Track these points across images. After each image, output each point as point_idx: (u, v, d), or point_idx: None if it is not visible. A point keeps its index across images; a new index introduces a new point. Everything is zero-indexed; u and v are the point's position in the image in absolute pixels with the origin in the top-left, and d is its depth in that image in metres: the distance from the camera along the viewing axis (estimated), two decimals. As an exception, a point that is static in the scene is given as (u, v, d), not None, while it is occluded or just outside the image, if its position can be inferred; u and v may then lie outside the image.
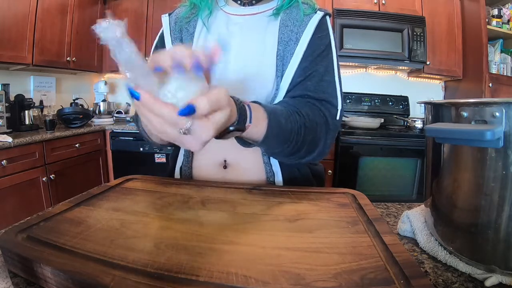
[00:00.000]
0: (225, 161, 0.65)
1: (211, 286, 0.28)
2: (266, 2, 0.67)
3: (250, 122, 0.45)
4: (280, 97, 0.62)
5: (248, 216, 0.44)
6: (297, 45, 0.61)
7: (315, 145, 0.58)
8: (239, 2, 0.67)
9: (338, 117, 0.61)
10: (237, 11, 0.68)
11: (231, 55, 0.64)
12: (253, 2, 0.66)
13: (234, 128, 0.42)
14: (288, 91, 0.62)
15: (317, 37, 0.62)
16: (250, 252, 0.34)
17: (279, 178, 0.65)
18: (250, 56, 0.64)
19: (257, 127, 0.48)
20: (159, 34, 0.72)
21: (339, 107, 0.61)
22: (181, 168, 0.70)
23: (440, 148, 0.39)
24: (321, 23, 0.63)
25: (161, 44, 0.70)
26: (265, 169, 0.65)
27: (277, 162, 0.65)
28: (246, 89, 0.61)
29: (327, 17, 0.65)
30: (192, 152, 0.68)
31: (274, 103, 0.61)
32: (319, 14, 0.63)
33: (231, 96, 0.43)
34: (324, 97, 0.60)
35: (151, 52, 0.73)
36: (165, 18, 0.71)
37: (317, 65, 0.61)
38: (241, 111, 0.43)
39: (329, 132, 0.60)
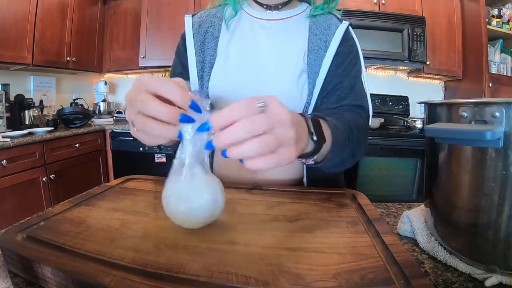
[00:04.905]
0: None
1: (211, 286, 0.28)
2: (291, 7, 0.68)
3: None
4: (313, 103, 0.63)
5: (248, 216, 0.44)
6: (327, 52, 0.63)
7: (361, 147, 0.60)
8: (265, 6, 0.67)
9: (370, 122, 0.65)
10: (262, 15, 0.68)
11: (260, 62, 0.65)
12: (279, 7, 0.67)
13: (315, 131, 0.42)
14: (323, 98, 0.63)
15: (346, 46, 0.65)
16: (250, 252, 0.34)
17: (305, 178, 0.66)
18: (284, 64, 0.64)
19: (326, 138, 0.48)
20: (181, 35, 0.70)
21: (371, 113, 0.65)
22: None
23: (440, 148, 0.39)
24: (347, 32, 0.66)
25: (183, 45, 0.69)
26: (299, 169, 0.66)
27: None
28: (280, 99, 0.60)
29: (350, 27, 0.68)
30: (213, 151, 0.67)
31: (309, 110, 0.63)
32: (345, 24, 0.66)
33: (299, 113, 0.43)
34: (359, 103, 0.63)
35: (175, 52, 0.72)
36: (188, 19, 0.70)
37: (350, 73, 0.64)
38: (310, 119, 0.43)
39: (367, 134, 0.63)
